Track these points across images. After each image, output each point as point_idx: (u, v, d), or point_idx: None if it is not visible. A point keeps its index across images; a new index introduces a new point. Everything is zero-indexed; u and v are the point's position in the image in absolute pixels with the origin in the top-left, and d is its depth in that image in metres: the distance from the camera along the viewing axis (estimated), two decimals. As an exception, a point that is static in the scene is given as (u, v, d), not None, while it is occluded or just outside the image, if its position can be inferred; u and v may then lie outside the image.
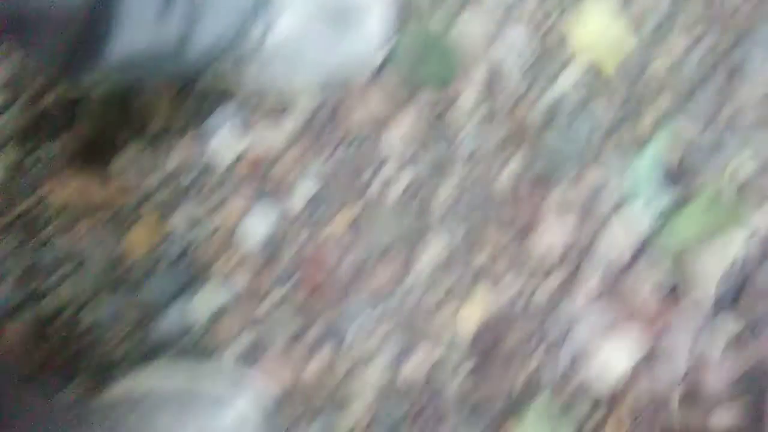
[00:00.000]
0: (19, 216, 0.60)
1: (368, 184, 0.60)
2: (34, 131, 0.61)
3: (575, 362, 0.56)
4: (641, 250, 0.58)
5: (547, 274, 0.58)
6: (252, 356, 0.58)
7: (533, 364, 0.56)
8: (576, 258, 0.58)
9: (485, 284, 0.58)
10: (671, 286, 0.57)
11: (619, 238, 0.58)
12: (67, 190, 0.59)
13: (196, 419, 0.51)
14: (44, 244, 0.59)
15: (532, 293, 0.57)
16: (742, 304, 0.56)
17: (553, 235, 0.58)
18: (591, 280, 0.57)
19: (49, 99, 0.61)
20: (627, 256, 0.58)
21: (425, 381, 0.57)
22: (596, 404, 0.55)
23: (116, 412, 0.51)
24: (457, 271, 0.59)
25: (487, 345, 0.57)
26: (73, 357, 0.57)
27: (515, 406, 0.56)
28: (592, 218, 0.59)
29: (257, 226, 0.60)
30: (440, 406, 0.56)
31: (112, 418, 0.51)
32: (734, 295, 0.56)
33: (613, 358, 0.56)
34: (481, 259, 0.59)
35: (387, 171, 0.60)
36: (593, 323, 0.57)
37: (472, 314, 0.57)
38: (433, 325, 0.57)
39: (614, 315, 0.56)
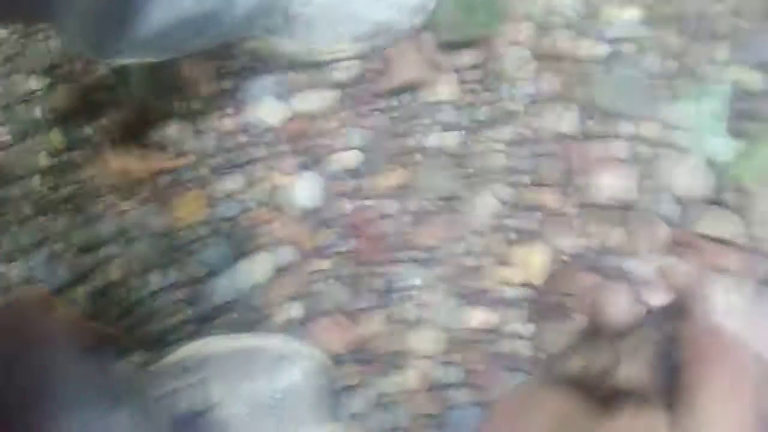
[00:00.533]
0: (71, 192, 0.61)
1: (417, 143, 0.58)
2: (81, 109, 0.62)
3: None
4: (706, 199, 0.54)
5: (609, 228, 0.55)
6: (305, 321, 0.57)
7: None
8: (641, 210, 0.55)
9: (543, 240, 0.55)
10: (738, 235, 0.53)
11: (682, 188, 0.54)
12: (117, 163, 0.60)
13: (262, 374, 0.52)
14: (97, 218, 0.60)
15: (593, 248, 0.55)
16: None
17: (616, 187, 0.55)
18: (655, 233, 0.54)
19: (92, 77, 0.63)
20: (696, 205, 0.54)
21: (482, 342, 0.55)
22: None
23: (187, 369, 0.52)
24: (511, 228, 0.56)
25: (548, 302, 0.54)
26: (131, 327, 0.58)
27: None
28: (654, 169, 0.55)
29: (305, 190, 0.59)
30: (497, 368, 0.54)
31: (183, 374, 0.52)
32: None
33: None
34: (537, 215, 0.56)
35: (435, 128, 0.58)
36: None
37: (530, 271, 0.55)
38: (488, 285, 0.55)
39: (686, 268, 0.53)
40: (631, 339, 0.20)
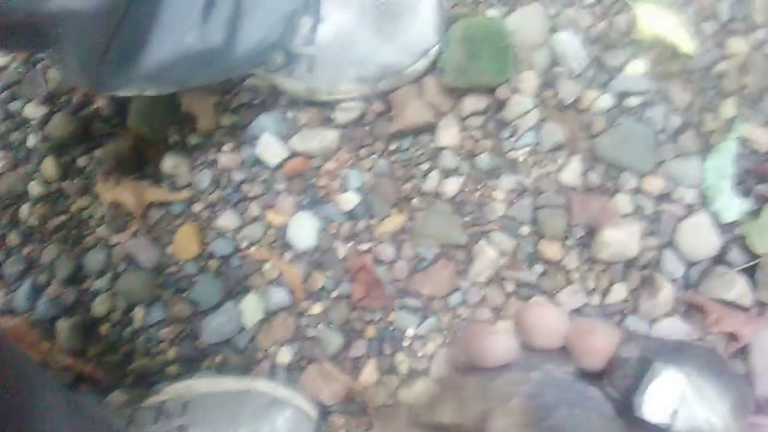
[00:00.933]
0: (71, 217, 0.60)
1: (419, 187, 0.57)
2: (76, 139, 0.61)
3: (645, 382, 0.51)
4: (717, 259, 0.52)
5: (614, 285, 0.53)
6: (293, 367, 0.55)
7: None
8: (645, 267, 0.53)
9: (542, 293, 0.53)
10: (753, 299, 0.51)
11: (692, 247, 0.53)
12: (118, 190, 0.59)
13: (246, 422, 0.50)
14: (85, 250, 0.59)
15: (598, 305, 0.53)
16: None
17: (619, 242, 0.53)
18: (663, 293, 0.52)
19: (90, 107, 0.62)
20: (702, 266, 0.53)
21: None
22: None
23: (167, 413, 0.50)
24: (510, 279, 0.55)
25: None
26: (122, 358, 0.56)
27: None
28: (662, 226, 0.54)
29: (300, 231, 0.58)
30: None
31: (162, 418, 0.50)
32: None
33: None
34: (537, 267, 0.55)
35: (438, 173, 0.57)
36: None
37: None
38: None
39: (690, 331, 0.51)
40: (503, 381, 0.19)
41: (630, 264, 0.54)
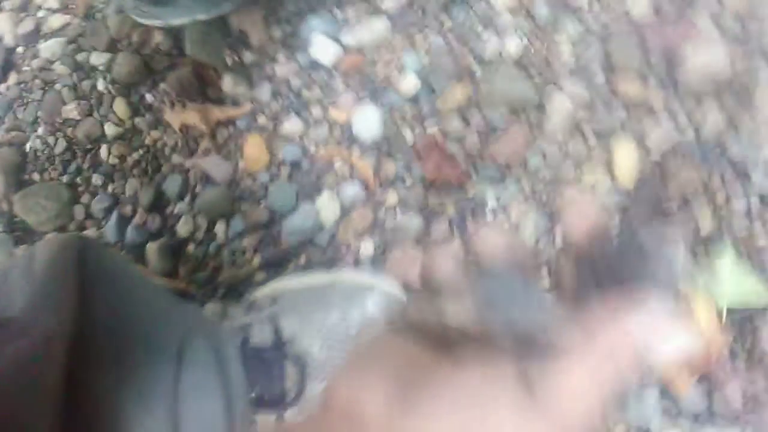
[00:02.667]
0: (147, 150, 0.62)
1: (479, 56, 0.54)
2: (141, 77, 0.63)
3: (763, 203, 0.46)
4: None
5: (709, 114, 0.49)
6: (378, 256, 0.54)
7: (708, 213, 0.47)
8: (746, 76, 0.48)
9: (636, 129, 0.50)
10: None
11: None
12: (186, 115, 0.60)
13: (335, 308, 0.49)
14: (172, 170, 0.60)
15: (698, 127, 0.48)
16: None
17: (706, 65, 0.49)
18: (761, 109, 0.47)
19: (148, 46, 0.64)
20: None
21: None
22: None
23: (257, 307, 0.50)
24: (598, 121, 0.51)
25: (651, 198, 0.48)
26: (211, 273, 0.57)
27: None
28: (751, 45, 0.49)
29: (369, 121, 0.57)
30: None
31: (253, 311, 0.50)
32: None
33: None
34: (626, 101, 0.51)
35: (497, 36, 0.54)
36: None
37: (625, 166, 0.49)
38: (579, 188, 0.50)
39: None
40: (455, 287, 0.22)
41: (722, 89, 0.49)
